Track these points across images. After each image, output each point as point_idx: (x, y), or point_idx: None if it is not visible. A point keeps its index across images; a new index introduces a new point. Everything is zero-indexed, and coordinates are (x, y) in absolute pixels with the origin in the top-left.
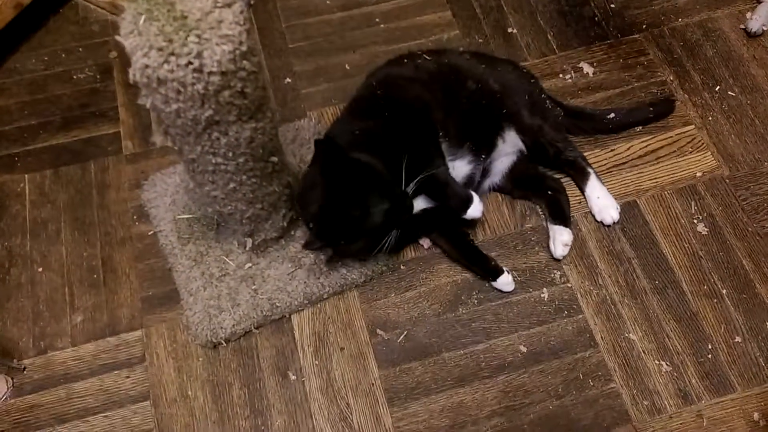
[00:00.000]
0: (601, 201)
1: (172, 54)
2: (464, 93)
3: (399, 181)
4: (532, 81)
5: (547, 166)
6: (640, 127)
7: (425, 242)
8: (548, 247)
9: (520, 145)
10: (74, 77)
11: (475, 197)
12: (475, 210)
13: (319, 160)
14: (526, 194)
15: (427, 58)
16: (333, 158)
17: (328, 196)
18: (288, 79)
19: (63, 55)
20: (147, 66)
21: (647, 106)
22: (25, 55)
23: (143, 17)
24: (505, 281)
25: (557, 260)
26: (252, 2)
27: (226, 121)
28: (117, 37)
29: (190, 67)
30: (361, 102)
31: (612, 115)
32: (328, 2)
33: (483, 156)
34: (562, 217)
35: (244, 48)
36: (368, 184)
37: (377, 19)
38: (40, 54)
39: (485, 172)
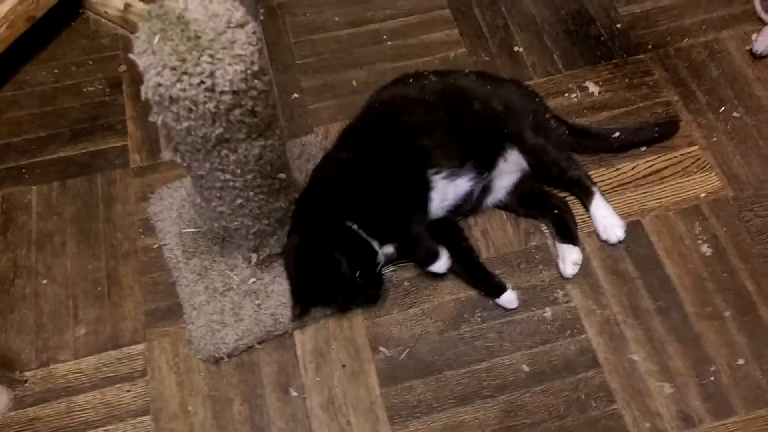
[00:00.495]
0: (606, 220)
1: (185, 73)
2: (469, 113)
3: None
4: (536, 100)
5: (552, 185)
6: (645, 147)
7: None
8: (557, 265)
9: (523, 164)
10: (84, 90)
11: (443, 254)
12: (440, 266)
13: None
14: (531, 213)
15: (433, 78)
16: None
17: (301, 264)
18: (295, 95)
19: (73, 68)
20: (160, 84)
21: (652, 126)
22: (36, 68)
23: (157, 36)
24: (509, 298)
25: (562, 279)
26: (261, 18)
27: (235, 139)
28: (130, 55)
29: (203, 86)
30: (356, 128)
31: (617, 134)
32: (336, 19)
33: (485, 174)
34: (570, 236)
35: (255, 68)
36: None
37: (384, 37)
38: (50, 66)
39: (486, 189)
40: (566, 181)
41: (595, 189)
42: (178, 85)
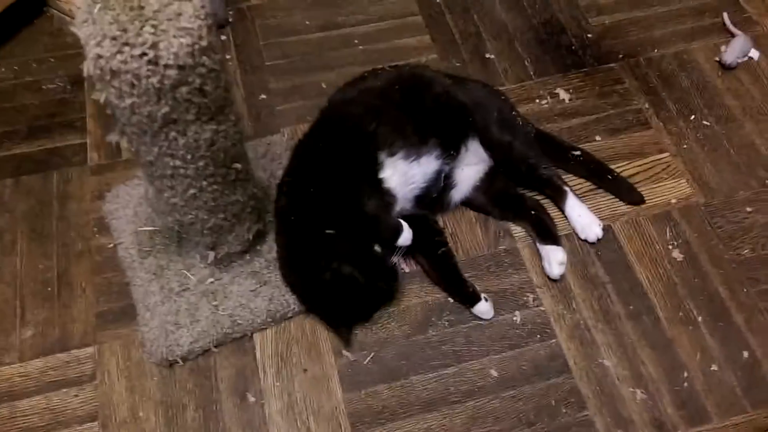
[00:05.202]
0: (582, 219)
1: (126, 44)
2: (428, 95)
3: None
4: (502, 98)
5: (522, 184)
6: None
7: (406, 265)
8: (543, 268)
9: (485, 157)
10: (44, 87)
11: (404, 226)
12: (405, 239)
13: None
14: (506, 214)
15: (389, 69)
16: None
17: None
18: (263, 96)
19: (34, 65)
20: (100, 56)
21: (619, 180)
22: None
23: (98, 6)
24: (483, 309)
25: (532, 283)
26: (230, 20)
27: (184, 120)
28: (72, 28)
29: (145, 58)
30: (310, 132)
31: (578, 152)
32: (307, 22)
33: (452, 152)
34: (551, 236)
35: (204, 43)
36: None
37: (356, 41)
38: (10, 63)
39: (449, 180)
40: (536, 178)
41: (567, 188)
42: (119, 57)
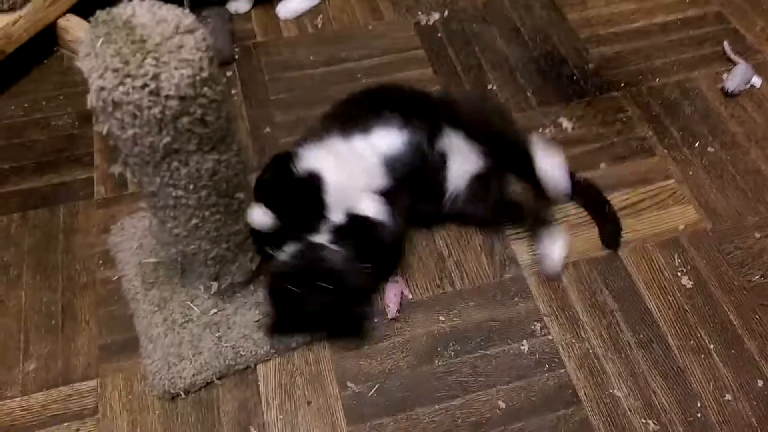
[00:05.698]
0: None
1: (128, 75)
2: (389, 89)
3: None
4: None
5: (521, 169)
6: (617, 178)
7: (390, 310)
8: (541, 270)
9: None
10: (52, 123)
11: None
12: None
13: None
14: (503, 220)
15: None
16: None
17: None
18: (267, 129)
19: (44, 103)
20: (102, 88)
21: (601, 220)
22: (5, 102)
23: (101, 39)
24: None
25: (539, 312)
26: (236, 57)
27: (185, 150)
28: (76, 63)
29: (146, 89)
30: None
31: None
32: (311, 58)
33: (425, 124)
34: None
35: (205, 74)
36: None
37: (359, 75)
38: (20, 101)
39: (443, 161)
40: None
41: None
42: (121, 88)
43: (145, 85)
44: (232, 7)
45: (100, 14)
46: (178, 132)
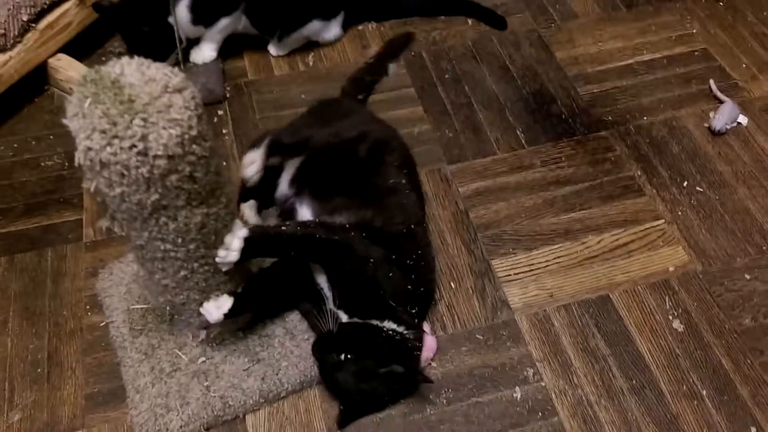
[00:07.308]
0: None
1: (116, 137)
2: None
3: None
4: None
5: None
6: (606, 218)
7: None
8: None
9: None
10: (42, 164)
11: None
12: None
13: None
14: None
15: None
16: None
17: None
18: None
19: (33, 143)
20: (90, 149)
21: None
22: None
23: (89, 100)
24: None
25: (531, 357)
26: (227, 95)
27: (174, 206)
28: (63, 120)
29: (134, 150)
30: None
31: None
32: (302, 96)
33: None
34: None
35: (193, 132)
36: None
37: None
38: (10, 141)
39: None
40: None
41: None
42: (108, 149)
43: (133, 146)
44: (199, 58)
45: (89, 73)
46: (166, 189)
